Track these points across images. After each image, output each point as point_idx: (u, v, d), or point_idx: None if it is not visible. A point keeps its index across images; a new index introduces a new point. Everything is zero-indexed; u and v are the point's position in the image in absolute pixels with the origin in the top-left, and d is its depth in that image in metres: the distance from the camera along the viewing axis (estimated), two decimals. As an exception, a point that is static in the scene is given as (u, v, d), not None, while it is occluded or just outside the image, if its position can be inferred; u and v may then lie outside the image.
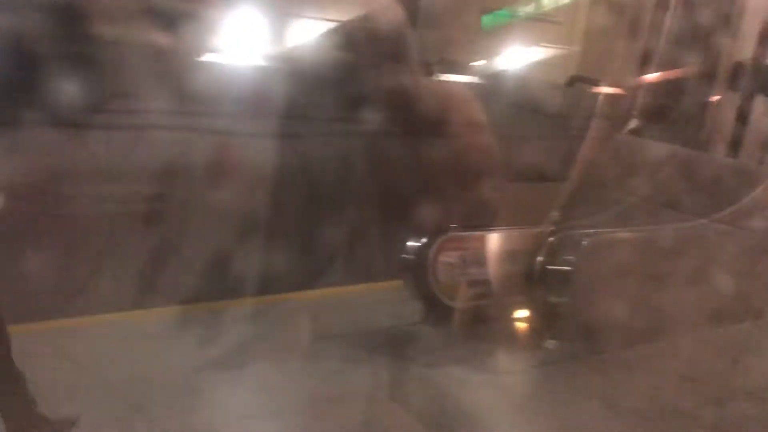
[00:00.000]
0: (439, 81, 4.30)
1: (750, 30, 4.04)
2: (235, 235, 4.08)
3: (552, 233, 4.01)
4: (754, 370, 2.75)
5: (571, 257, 3.72)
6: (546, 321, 3.80)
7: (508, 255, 4.00)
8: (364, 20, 4.11)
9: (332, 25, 4.40)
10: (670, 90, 4.45)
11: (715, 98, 4.29)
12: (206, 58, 4.12)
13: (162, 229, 4.07)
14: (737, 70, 4.13)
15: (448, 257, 3.86)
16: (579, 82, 4.85)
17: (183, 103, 3.99)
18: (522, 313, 4.00)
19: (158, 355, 3.38)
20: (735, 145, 4.05)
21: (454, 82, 4.40)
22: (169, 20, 3.59)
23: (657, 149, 4.03)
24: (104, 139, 4.01)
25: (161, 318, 3.94)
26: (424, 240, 3.87)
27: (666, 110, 4.41)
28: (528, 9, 4.98)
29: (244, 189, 4.06)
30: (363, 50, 3.95)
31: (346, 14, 4.37)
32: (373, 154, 4.38)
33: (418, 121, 3.94)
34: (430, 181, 4.11)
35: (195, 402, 3.23)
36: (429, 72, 4.54)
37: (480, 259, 3.93)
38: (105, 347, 3.51)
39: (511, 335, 3.96)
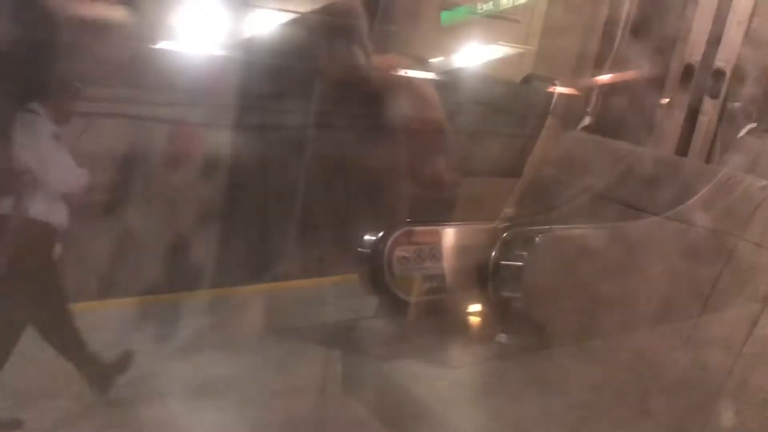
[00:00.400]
0: (399, 74, 4.29)
1: (700, 33, 4.14)
2: (189, 226, 4.01)
3: (506, 229, 4.04)
4: (701, 362, 2.83)
5: (523, 253, 3.76)
6: (499, 315, 3.83)
7: (463, 250, 4.03)
8: (319, 11, 4.08)
9: (287, 16, 4.35)
10: (622, 91, 4.53)
11: (666, 99, 4.39)
12: (161, 44, 4.03)
13: (114, 220, 3.98)
14: (687, 72, 4.22)
15: (404, 251, 3.87)
16: (534, 80, 4.90)
17: (136, 90, 3.90)
18: (475, 307, 4.03)
19: (108, 347, 3.31)
20: (684, 144, 4.15)
21: (413, 76, 4.42)
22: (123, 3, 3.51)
23: (610, 146, 4.10)
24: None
25: (112, 309, 3.86)
26: (379, 234, 3.86)
27: (618, 110, 4.49)
28: (487, 6, 5.01)
29: (198, 180, 3.99)
30: (317, 41, 3.93)
31: (302, 6, 4.33)
32: (327, 146, 4.36)
33: (374, 111, 3.94)
34: (387, 174, 4.11)
35: (143, 395, 3.17)
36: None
37: (435, 254, 3.95)
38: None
39: (465, 329, 3.99)
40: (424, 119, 4.03)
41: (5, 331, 2.91)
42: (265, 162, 4.30)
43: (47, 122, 2.95)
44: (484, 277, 3.90)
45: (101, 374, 3.17)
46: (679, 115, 4.20)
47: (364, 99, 3.98)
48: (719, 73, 4.06)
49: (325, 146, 4.36)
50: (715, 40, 4.08)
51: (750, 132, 3.87)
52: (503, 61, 5.34)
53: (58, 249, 3.04)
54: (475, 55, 5.05)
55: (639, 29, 4.46)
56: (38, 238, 2.97)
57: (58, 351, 3.08)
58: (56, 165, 2.96)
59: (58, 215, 3.01)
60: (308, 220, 4.30)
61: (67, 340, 3.10)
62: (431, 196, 4.23)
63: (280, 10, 4.38)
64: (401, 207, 4.13)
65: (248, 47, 4.11)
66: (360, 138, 4.26)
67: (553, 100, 4.59)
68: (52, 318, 3.08)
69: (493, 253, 3.88)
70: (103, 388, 3.13)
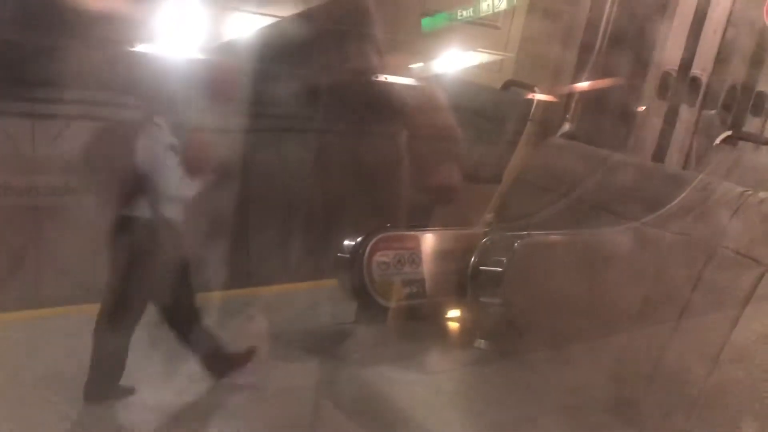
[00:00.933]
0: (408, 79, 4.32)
1: (677, 42, 4.19)
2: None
3: (485, 234, 4.05)
4: (677, 368, 2.85)
5: (503, 258, 3.77)
6: (478, 321, 3.84)
7: (443, 255, 4.03)
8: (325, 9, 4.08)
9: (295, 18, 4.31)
10: (601, 98, 4.58)
11: (643, 107, 4.44)
12: (139, 48, 3.99)
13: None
14: (665, 80, 4.28)
15: (383, 256, 3.86)
16: (514, 86, 4.93)
17: (112, 93, 3.86)
18: (455, 312, 4.04)
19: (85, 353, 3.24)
20: (661, 151, 4.20)
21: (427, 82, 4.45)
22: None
23: (588, 153, 4.13)
24: (26, 128, 3.84)
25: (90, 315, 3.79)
26: (359, 239, 3.85)
27: (597, 117, 4.54)
28: (467, 13, 5.02)
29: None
30: (330, 42, 3.92)
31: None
32: (316, 150, 4.36)
33: (384, 116, 3.93)
34: (392, 179, 4.12)
35: (120, 402, 3.13)
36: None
37: (415, 259, 3.95)
38: (20, 345, 3.36)
39: (444, 334, 3.99)
40: (436, 125, 4.04)
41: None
42: (252, 167, 4.26)
43: (167, 134, 3.16)
44: (463, 282, 3.90)
45: (110, 387, 3.11)
46: (657, 122, 4.26)
47: (374, 103, 3.98)
48: (696, 81, 4.12)
49: (330, 150, 4.34)
50: (691, 49, 4.14)
51: (726, 139, 3.92)
52: (483, 67, 5.36)
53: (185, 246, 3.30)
54: (455, 61, 5.06)
55: (618, 38, 4.51)
56: (169, 236, 3.20)
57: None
58: (170, 173, 3.16)
59: (178, 216, 3.24)
60: (291, 225, 4.28)
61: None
62: (439, 203, 4.26)
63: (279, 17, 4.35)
64: (403, 212, 4.15)
65: (256, 51, 4.07)
66: (368, 142, 4.26)
67: (533, 107, 4.63)
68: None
69: (473, 259, 3.88)
70: (95, 397, 3.09)
